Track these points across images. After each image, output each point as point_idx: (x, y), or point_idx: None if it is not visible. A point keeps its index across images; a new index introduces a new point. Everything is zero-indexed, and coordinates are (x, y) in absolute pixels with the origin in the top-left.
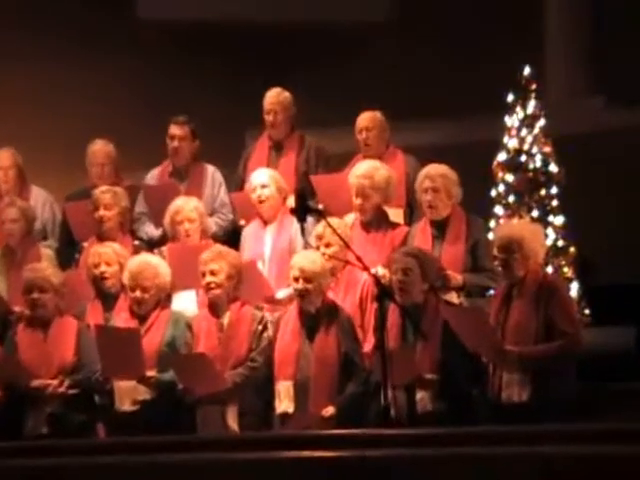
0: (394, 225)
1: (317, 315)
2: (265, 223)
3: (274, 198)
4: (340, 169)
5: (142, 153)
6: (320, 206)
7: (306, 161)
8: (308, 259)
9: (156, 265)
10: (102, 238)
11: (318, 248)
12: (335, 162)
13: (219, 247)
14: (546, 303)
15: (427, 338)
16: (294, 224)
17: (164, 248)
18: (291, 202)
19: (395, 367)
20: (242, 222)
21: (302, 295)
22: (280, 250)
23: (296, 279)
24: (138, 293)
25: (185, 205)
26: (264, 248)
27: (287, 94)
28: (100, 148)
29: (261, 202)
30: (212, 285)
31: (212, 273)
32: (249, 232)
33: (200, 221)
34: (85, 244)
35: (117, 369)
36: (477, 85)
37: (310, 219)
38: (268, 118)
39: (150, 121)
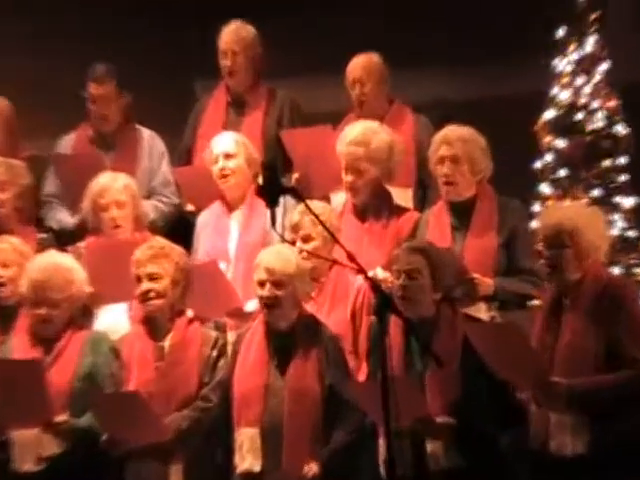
0: (399, 210)
1: (291, 335)
2: (230, 208)
3: (242, 173)
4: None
5: (53, 115)
6: (295, 175)
7: (277, 122)
8: (279, 256)
9: (68, 269)
10: None
11: (294, 243)
12: (317, 124)
13: (160, 242)
14: (610, 318)
15: (441, 365)
16: (268, 210)
17: (82, 244)
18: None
19: (398, 405)
20: (189, 207)
21: (270, 306)
22: (251, 245)
23: (261, 283)
24: (43, 310)
25: (112, 184)
26: (228, 243)
27: (250, 29)
28: None
29: (224, 177)
30: (151, 294)
31: (151, 278)
32: (206, 221)
33: (133, 205)
34: None
35: (14, 414)
36: (513, 17)
37: (286, 202)
38: (225, 62)
39: (68, 76)
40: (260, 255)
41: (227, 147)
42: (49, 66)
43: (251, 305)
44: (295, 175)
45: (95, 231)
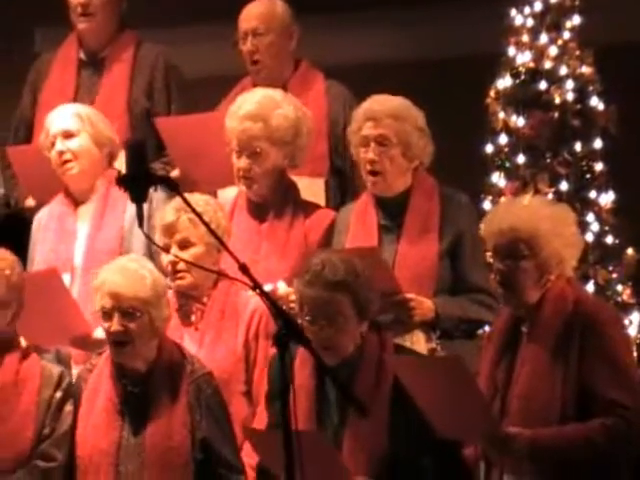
0: (308, 207)
1: (149, 376)
2: (75, 203)
3: (89, 156)
4: (212, 107)
5: None
6: (174, 172)
7: (147, 89)
8: (127, 275)
9: None
10: None
11: (168, 249)
12: (201, 93)
13: None
14: (581, 350)
15: (365, 414)
16: (129, 205)
17: None
18: (121, 164)
19: (306, 466)
20: (30, 202)
21: (119, 343)
22: (103, 252)
23: (106, 313)
24: None
25: None
26: (73, 248)
27: None
28: None
29: (65, 164)
30: None
31: None
32: (45, 219)
33: None
34: None
35: None
36: None
37: (157, 196)
38: (73, 1)
39: None
40: (101, 274)
41: (66, 124)
42: None
43: (101, 331)
44: (174, 172)
45: None
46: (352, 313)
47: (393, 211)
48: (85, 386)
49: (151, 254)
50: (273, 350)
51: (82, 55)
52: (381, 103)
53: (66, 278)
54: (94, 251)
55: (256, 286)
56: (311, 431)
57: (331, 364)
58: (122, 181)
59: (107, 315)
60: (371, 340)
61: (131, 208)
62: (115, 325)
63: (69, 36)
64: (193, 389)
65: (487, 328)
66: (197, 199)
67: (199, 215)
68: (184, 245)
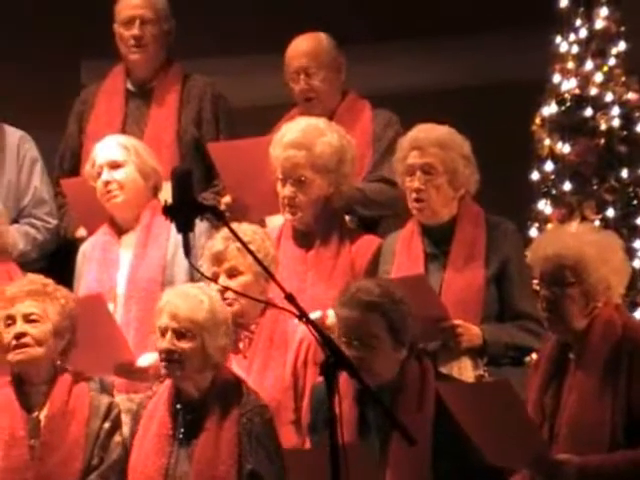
0: (354, 234)
1: (203, 404)
2: (119, 232)
3: (134, 186)
4: (259, 135)
5: None
6: (226, 198)
7: (196, 119)
8: (187, 299)
9: None
10: None
11: (215, 279)
12: (248, 124)
13: (36, 279)
14: (629, 376)
15: (413, 441)
16: (172, 235)
17: None
18: (168, 195)
19: None
20: (81, 232)
21: (170, 361)
22: (145, 281)
23: (162, 332)
24: None
25: None
26: (116, 277)
27: None
28: None
29: (110, 194)
30: (25, 340)
31: (27, 320)
32: (89, 249)
33: None
34: None
35: None
36: None
37: (202, 226)
38: (129, 31)
39: None
40: (164, 296)
41: (112, 154)
42: None
43: (145, 359)
44: (226, 199)
45: None
46: (386, 336)
47: (439, 239)
48: (144, 413)
49: (194, 283)
50: (317, 379)
51: (129, 86)
52: (427, 132)
53: (109, 307)
54: (137, 280)
55: (302, 315)
56: (356, 444)
57: (372, 385)
58: (168, 210)
59: (162, 333)
60: (412, 367)
61: (174, 237)
62: (166, 343)
63: (116, 67)
64: (245, 420)
65: (534, 355)
66: (245, 228)
67: (245, 244)
68: (232, 274)
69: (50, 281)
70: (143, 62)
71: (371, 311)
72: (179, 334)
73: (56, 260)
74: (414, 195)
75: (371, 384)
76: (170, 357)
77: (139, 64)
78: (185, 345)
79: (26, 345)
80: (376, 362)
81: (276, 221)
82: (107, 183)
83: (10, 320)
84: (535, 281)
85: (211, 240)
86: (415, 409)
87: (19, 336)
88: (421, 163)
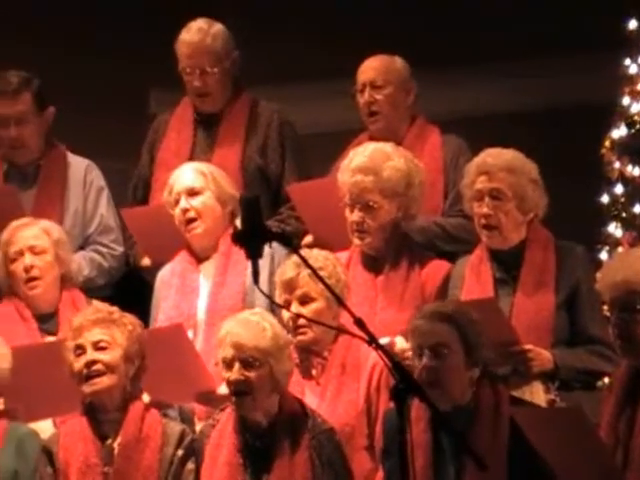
0: (423, 258)
1: (271, 431)
2: (198, 260)
3: (213, 214)
4: (327, 163)
5: None
6: (308, 237)
7: (261, 147)
8: (249, 326)
9: None
10: None
11: (288, 305)
12: (315, 149)
13: (102, 307)
14: None
15: (484, 467)
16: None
17: None
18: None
19: None
20: (145, 261)
21: (239, 392)
22: (226, 308)
23: (228, 363)
24: None
25: (24, 228)
26: (196, 304)
27: (218, 28)
28: None
29: (189, 222)
30: (97, 367)
31: (97, 347)
32: (167, 276)
33: (55, 256)
34: None
35: None
36: (569, 3)
37: (278, 253)
38: (190, 80)
39: None
40: (224, 326)
41: (190, 181)
42: None
43: (226, 387)
44: (307, 238)
45: (10, 295)
46: (459, 349)
47: (508, 264)
48: (207, 441)
49: (273, 309)
50: (389, 405)
51: (197, 116)
52: (495, 156)
53: (189, 334)
54: (217, 307)
55: (372, 340)
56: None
57: (443, 408)
58: (238, 237)
59: (228, 365)
60: (486, 391)
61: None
62: (235, 374)
63: (185, 98)
64: (314, 444)
65: (606, 379)
66: (316, 254)
67: (315, 270)
68: (305, 300)
69: (115, 308)
70: (208, 106)
71: (446, 322)
72: (246, 364)
73: (124, 288)
74: (483, 221)
75: (444, 406)
76: (240, 388)
77: (204, 106)
78: (254, 374)
79: (98, 373)
80: (448, 376)
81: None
82: (185, 211)
83: (80, 350)
84: (605, 307)
85: (282, 267)
86: (490, 434)
87: (90, 364)
88: (489, 188)
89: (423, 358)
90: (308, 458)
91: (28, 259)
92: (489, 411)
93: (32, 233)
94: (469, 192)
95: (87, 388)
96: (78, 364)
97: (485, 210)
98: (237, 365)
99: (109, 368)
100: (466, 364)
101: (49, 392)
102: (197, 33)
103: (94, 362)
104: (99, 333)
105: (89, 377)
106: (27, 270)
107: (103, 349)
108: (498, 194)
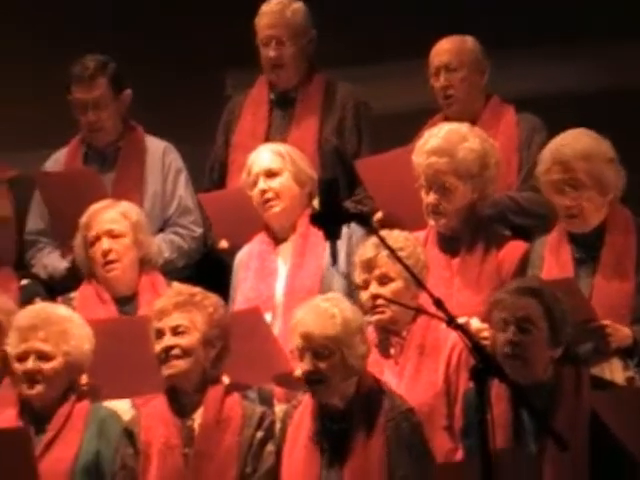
0: (500, 240)
1: (348, 413)
2: (276, 241)
3: (291, 194)
4: (402, 144)
5: (36, 123)
6: (379, 214)
7: (338, 128)
8: (317, 315)
9: (64, 318)
10: None
11: (366, 286)
12: (391, 130)
13: (184, 289)
14: None
15: (564, 447)
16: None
17: (74, 294)
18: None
19: None
20: (223, 244)
21: (312, 382)
22: (305, 290)
23: (300, 352)
24: (30, 363)
25: (103, 211)
26: (274, 286)
27: (298, 4)
28: None
29: (267, 202)
30: (174, 352)
31: (175, 332)
32: (246, 258)
33: (134, 239)
34: None
35: None
36: None
37: (356, 233)
38: (266, 52)
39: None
40: (297, 313)
41: (268, 162)
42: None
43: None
44: (378, 215)
45: (90, 277)
46: (544, 326)
47: (588, 245)
48: (290, 422)
49: (351, 291)
50: (468, 384)
51: (273, 96)
52: (569, 144)
53: (267, 316)
54: (295, 289)
55: (451, 320)
56: (510, 449)
57: (524, 382)
58: (316, 218)
59: (300, 354)
60: (567, 371)
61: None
62: (306, 364)
63: (261, 77)
64: (392, 426)
65: None
66: (396, 235)
67: (393, 251)
68: (383, 281)
69: (198, 290)
70: (282, 80)
71: (532, 296)
72: (317, 354)
73: (203, 268)
74: (566, 211)
75: (523, 381)
76: (313, 377)
77: (278, 82)
78: (325, 364)
79: (175, 357)
80: (531, 351)
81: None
82: (263, 192)
83: (160, 333)
84: None
85: (361, 247)
86: (571, 415)
87: (167, 349)
88: (567, 178)
89: (507, 332)
90: (384, 441)
91: (106, 243)
92: (570, 392)
93: (110, 217)
94: (545, 180)
95: (165, 371)
96: (158, 347)
97: (567, 202)
98: (308, 355)
99: (186, 352)
100: (550, 342)
101: (131, 370)
102: (277, 5)
103: (172, 347)
104: (178, 318)
105: (167, 360)
106: (105, 254)
107: (181, 334)
108: (576, 183)
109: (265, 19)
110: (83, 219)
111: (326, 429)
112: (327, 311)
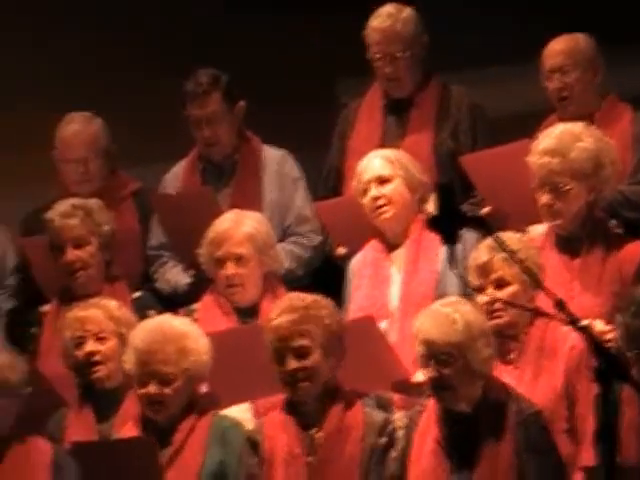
0: (620, 241)
1: (474, 418)
2: (389, 247)
3: (403, 200)
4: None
5: (158, 134)
6: (485, 209)
7: (453, 131)
8: (438, 322)
9: (182, 335)
10: (74, 295)
11: (483, 289)
12: (506, 133)
13: (302, 298)
14: None
15: None
16: (441, 248)
17: (196, 305)
18: (432, 207)
19: None
20: (341, 250)
21: (437, 388)
22: (419, 296)
23: (425, 361)
24: (152, 388)
25: (232, 232)
26: (388, 293)
27: (408, 12)
28: (79, 130)
29: (379, 209)
30: (300, 375)
31: (298, 354)
32: (359, 265)
33: (259, 261)
34: (45, 307)
35: None
36: None
37: (469, 237)
38: (380, 66)
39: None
40: (418, 319)
41: (379, 169)
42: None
43: (421, 375)
44: (485, 209)
45: (213, 290)
46: None
47: None
48: (416, 428)
49: (466, 295)
50: (595, 386)
51: (387, 102)
52: None
53: (383, 324)
54: (410, 296)
55: (574, 321)
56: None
57: None
58: (434, 223)
59: (423, 362)
60: None
61: (444, 251)
62: (430, 372)
63: (374, 85)
64: (520, 429)
65: None
66: (510, 237)
67: (512, 253)
68: (500, 284)
69: (311, 299)
70: (398, 91)
71: None
72: (440, 361)
73: (321, 275)
74: None
75: None
76: (438, 384)
77: (394, 92)
78: (449, 370)
79: (302, 380)
80: None
81: (537, 229)
82: (376, 199)
83: (281, 356)
84: None
85: (475, 251)
86: None
87: (293, 373)
88: None
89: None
90: (514, 444)
91: (230, 268)
92: None
93: (237, 239)
94: None
95: (292, 394)
96: (281, 370)
97: None
98: (432, 362)
99: (312, 374)
100: None
101: (247, 374)
102: (387, 19)
103: (297, 370)
104: (298, 339)
105: (294, 383)
106: (229, 279)
107: (304, 356)
108: None
109: (376, 36)
110: (210, 234)
111: (453, 434)
112: (448, 317)
